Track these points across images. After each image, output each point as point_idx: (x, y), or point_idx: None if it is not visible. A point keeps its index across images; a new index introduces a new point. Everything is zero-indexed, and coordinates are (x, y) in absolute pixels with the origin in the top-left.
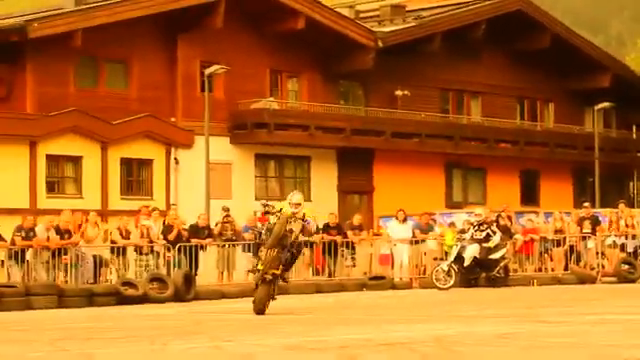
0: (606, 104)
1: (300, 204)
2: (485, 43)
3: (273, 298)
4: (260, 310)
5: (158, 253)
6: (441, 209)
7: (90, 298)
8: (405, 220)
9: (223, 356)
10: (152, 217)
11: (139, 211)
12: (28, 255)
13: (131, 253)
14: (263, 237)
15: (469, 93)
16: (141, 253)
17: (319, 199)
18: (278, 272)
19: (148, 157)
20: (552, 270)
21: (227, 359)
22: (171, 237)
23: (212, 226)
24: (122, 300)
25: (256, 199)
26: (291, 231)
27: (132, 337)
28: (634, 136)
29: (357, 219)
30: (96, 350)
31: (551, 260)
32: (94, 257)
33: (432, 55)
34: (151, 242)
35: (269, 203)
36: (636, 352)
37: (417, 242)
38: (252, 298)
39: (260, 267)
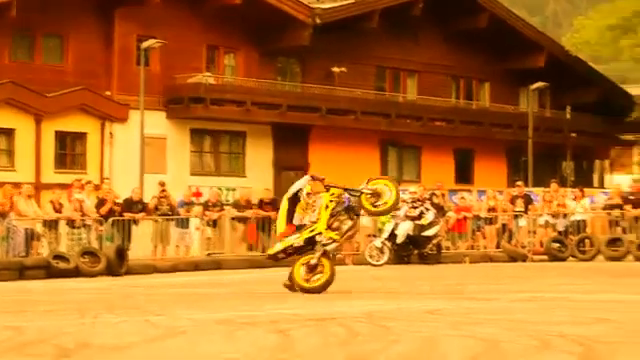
0: (541, 84)
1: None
2: (423, 22)
3: None
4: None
5: (90, 227)
6: None
7: (21, 271)
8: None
9: (153, 330)
10: (85, 191)
11: (72, 184)
12: None
13: (63, 227)
14: (353, 204)
15: (405, 71)
16: (73, 227)
17: (254, 175)
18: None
19: (83, 130)
20: (484, 248)
21: (157, 333)
22: (104, 211)
23: (146, 200)
24: (53, 273)
25: (191, 174)
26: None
27: (62, 310)
28: (568, 116)
29: None
30: (26, 323)
31: (483, 238)
32: (25, 230)
33: (369, 33)
34: (84, 216)
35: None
36: (561, 329)
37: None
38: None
39: (339, 238)
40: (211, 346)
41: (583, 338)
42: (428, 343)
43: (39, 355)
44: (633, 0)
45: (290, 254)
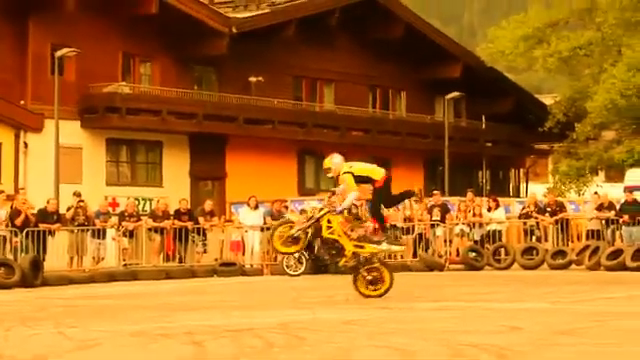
0: (456, 94)
1: (330, 167)
2: (339, 31)
3: None
4: None
5: (5, 238)
6: (293, 196)
7: None
8: (257, 207)
9: (67, 342)
10: None
11: None
12: None
13: None
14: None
15: (322, 81)
16: None
17: (171, 185)
18: None
19: None
20: (401, 257)
21: (70, 345)
22: (18, 222)
23: (61, 211)
24: None
25: (107, 184)
26: None
27: None
28: (483, 126)
29: (208, 205)
30: None
31: None
32: None
33: (286, 42)
34: None
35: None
36: (474, 338)
37: (268, 229)
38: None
39: None
40: (125, 358)
41: (495, 347)
42: (343, 353)
43: None
44: (544, 11)
45: None
